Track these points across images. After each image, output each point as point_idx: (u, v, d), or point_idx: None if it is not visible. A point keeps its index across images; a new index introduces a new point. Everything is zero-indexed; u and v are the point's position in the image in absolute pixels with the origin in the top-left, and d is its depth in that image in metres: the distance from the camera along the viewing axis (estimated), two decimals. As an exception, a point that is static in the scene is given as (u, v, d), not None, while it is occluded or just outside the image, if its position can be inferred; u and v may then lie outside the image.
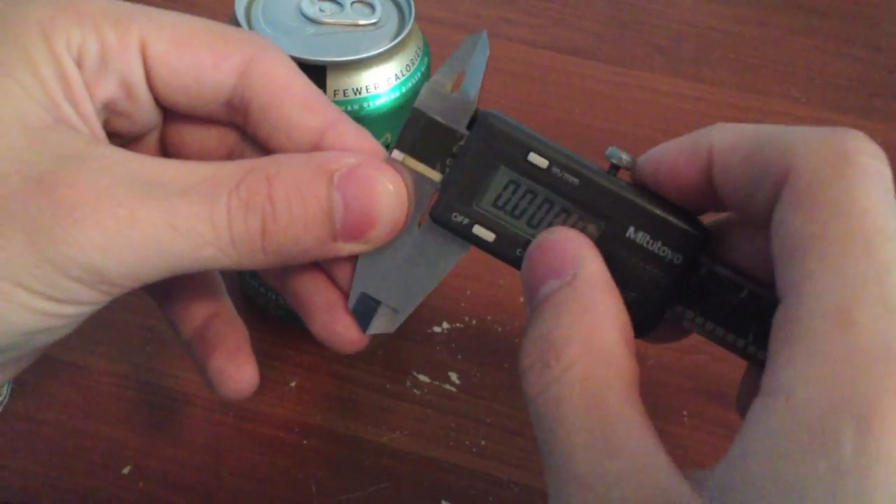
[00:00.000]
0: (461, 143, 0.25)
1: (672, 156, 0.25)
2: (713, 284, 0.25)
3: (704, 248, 0.25)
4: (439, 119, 0.25)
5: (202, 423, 0.40)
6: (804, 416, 0.19)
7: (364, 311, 0.27)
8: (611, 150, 0.25)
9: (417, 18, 0.36)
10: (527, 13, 0.67)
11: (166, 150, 0.29)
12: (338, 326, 0.27)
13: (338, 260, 0.27)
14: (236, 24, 0.35)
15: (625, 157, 0.25)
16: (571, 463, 0.21)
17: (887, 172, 0.21)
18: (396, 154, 0.26)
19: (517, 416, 0.41)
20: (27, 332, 0.23)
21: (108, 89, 0.25)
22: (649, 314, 0.25)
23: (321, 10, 0.36)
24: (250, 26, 0.35)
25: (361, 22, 0.36)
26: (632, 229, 0.25)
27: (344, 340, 0.27)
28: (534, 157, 0.25)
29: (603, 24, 0.67)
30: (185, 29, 0.26)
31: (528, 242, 0.25)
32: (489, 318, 0.45)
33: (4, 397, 0.39)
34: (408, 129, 0.25)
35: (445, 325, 0.45)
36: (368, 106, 0.35)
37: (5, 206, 0.21)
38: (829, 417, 0.18)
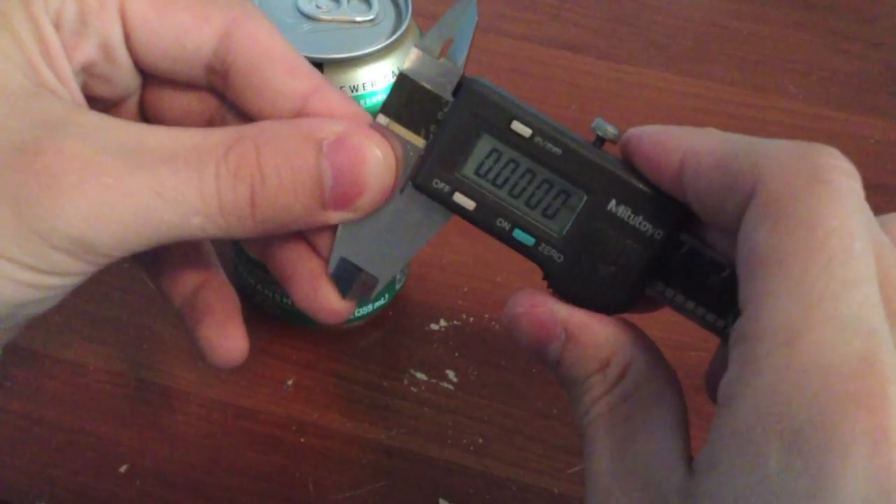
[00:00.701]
0: (446, 109, 0.25)
1: (649, 143, 0.24)
2: (694, 263, 0.25)
3: (686, 225, 0.25)
4: (425, 84, 0.25)
5: (199, 421, 0.40)
6: (739, 431, 0.19)
7: (343, 277, 0.27)
8: (597, 121, 0.25)
9: (414, 15, 0.36)
10: (523, 8, 0.67)
11: (145, 115, 0.28)
12: (320, 295, 0.27)
13: (321, 228, 0.26)
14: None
15: (610, 129, 0.25)
16: None
17: (859, 190, 0.21)
18: (381, 119, 0.25)
19: (515, 413, 0.41)
20: (15, 305, 0.22)
21: (87, 51, 0.25)
22: (628, 289, 0.25)
23: (318, 7, 0.36)
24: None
25: (358, 19, 0.36)
26: (613, 202, 0.25)
27: (326, 310, 0.27)
28: (517, 126, 0.24)
29: (599, 20, 0.66)
30: None
31: (508, 212, 0.25)
32: (487, 315, 0.45)
33: None
34: (393, 93, 0.25)
35: (443, 322, 0.45)
36: (366, 103, 0.35)
37: None
38: (757, 432, 0.18)
